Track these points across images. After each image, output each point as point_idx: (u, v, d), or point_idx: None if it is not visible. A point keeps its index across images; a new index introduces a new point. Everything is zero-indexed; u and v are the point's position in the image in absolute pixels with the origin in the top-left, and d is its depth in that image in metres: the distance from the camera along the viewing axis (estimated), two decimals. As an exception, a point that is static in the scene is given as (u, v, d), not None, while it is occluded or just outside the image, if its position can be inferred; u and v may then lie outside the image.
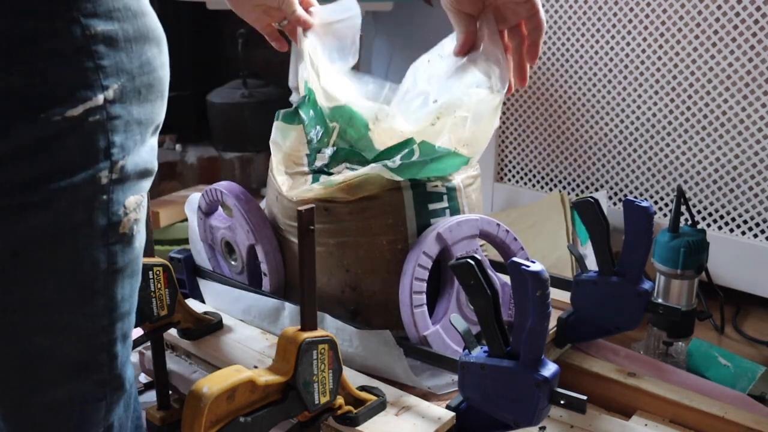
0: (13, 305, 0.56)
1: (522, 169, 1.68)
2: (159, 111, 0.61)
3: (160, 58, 0.59)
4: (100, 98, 0.54)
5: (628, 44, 1.44)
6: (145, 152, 0.60)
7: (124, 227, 0.59)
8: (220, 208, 1.10)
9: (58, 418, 0.61)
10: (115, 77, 0.55)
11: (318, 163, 0.97)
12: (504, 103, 1.66)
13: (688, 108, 1.39)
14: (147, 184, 0.62)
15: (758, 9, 1.27)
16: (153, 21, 0.59)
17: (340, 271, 0.95)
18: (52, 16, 0.51)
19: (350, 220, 0.93)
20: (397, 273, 0.91)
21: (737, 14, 1.30)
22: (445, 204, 0.96)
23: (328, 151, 0.98)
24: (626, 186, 1.52)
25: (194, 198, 1.12)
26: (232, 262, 1.08)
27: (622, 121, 1.49)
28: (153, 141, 0.62)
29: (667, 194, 1.46)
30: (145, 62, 0.57)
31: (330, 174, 0.95)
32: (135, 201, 0.60)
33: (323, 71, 1.01)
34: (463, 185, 0.98)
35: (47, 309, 0.57)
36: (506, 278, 0.99)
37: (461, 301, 0.92)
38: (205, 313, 1.00)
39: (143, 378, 1.16)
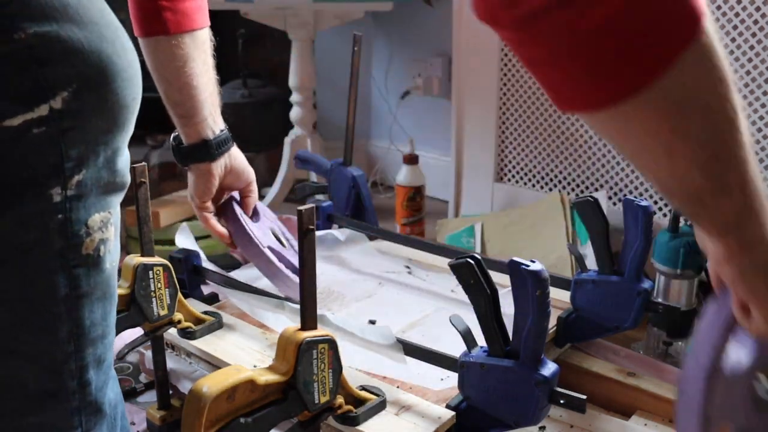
0: None
1: (522, 169, 1.68)
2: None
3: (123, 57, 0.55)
4: (44, 108, 0.49)
5: (627, 44, 1.44)
6: (110, 165, 0.55)
7: (87, 248, 0.54)
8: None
9: None
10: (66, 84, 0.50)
11: None
12: (504, 104, 1.66)
13: (688, 108, 1.39)
14: (116, 199, 0.57)
15: (758, 9, 1.27)
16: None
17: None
18: None
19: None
20: None
21: (737, 14, 1.30)
22: None
23: None
24: (626, 186, 1.52)
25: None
26: None
27: (621, 121, 1.49)
28: (124, 151, 0.57)
29: (667, 194, 1.46)
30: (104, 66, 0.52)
31: None
32: (100, 219, 0.55)
33: None
34: None
35: (2, 335, 0.53)
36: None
37: None
38: (205, 312, 1.00)
39: (143, 378, 1.16)
